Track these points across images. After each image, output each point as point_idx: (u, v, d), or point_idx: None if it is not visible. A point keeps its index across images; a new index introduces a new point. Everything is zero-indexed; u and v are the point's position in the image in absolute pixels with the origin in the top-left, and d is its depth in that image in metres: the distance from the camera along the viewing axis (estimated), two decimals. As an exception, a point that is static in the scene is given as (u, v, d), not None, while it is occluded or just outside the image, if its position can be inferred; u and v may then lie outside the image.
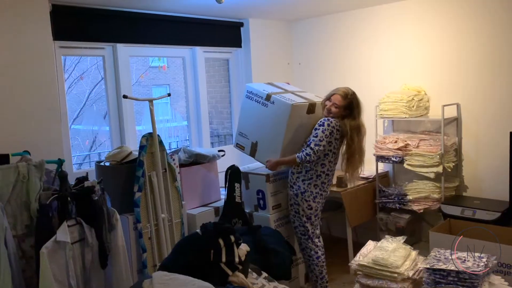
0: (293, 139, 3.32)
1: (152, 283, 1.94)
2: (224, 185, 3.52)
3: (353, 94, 3.18)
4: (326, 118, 3.15)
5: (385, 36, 4.26)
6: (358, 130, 3.16)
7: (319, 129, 3.11)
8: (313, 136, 3.12)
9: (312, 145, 3.10)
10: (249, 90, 3.52)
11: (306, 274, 3.64)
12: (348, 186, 3.89)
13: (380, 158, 3.98)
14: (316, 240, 3.33)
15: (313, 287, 3.42)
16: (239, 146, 3.63)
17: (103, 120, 10.32)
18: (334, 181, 3.97)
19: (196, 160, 3.57)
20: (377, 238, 3.99)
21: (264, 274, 2.38)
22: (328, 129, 3.11)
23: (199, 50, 4.34)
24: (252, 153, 3.50)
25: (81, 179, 2.56)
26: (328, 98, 3.21)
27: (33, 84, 3.11)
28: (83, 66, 10.48)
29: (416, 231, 4.15)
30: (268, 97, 3.34)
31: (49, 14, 3.20)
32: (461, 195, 3.89)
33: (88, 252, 2.46)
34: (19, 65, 3.05)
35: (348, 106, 3.15)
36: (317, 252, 3.32)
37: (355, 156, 3.19)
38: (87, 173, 2.72)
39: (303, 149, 3.16)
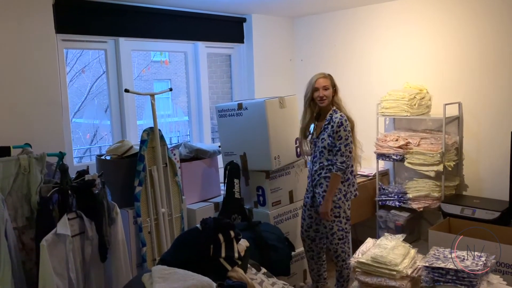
0: (278, 136, 3.38)
1: (152, 277, 1.95)
2: (223, 181, 3.53)
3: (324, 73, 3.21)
4: (339, 117, 3.05)
5: (387, 33, 4.25)
6: (341, 103, 3.17)
7: (339, 130, 3.03)
8: (338, 140, 3.04)
9: (342, 149, 3.02)
10: (220, 109, 3.57)
11: (305, 271, 3.65)
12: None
13: (380, 156, 3.98)
14: None
15: None
16: None
17: (104, 114, 10.33)
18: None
19: (196, 155, 3.58)
20: (376, 236, 4.02)
21: (263, 270, 2.39)
22: (347, 125, 3.06)
23: (201, 45, 4.33)
24: (245, 166, 3.49)
25: (82, 173, 2.56)
26: (313, 88, 3.12)
27: (35, 77, 3.11)
28: (85, 60, 10.49)
29: (415, 230, 4.16)
30: (240, 106, 3.42)
31: (51, 7, 3.20)
32: (461, 194, 3.89)
33: (88, 245, 2.47)
34: (21, 58, 3.05)
35: (331, 82, 3.14)
36: (349, 254, 3.23)
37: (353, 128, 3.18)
38: (87, 166, 2.72)
39: (332, 159, 3.06)
